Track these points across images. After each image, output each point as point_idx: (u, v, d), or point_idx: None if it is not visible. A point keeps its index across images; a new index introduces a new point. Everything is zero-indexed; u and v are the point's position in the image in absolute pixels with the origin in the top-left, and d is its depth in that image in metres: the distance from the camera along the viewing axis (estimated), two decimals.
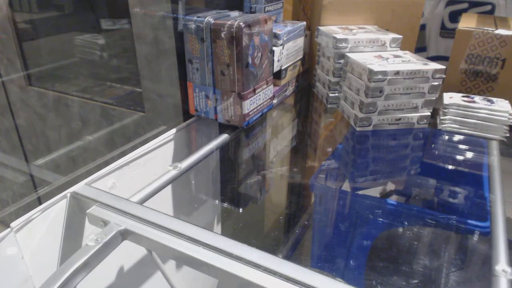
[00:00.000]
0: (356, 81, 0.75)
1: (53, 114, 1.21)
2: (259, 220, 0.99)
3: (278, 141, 0.95)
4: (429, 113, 0.76)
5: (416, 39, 0.93)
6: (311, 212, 0.91)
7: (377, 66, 0.71)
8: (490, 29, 0.81)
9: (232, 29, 0.61)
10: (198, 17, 0.64)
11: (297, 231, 0.89)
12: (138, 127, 1.01)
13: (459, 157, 0.78)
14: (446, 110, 0.77)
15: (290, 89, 0.89)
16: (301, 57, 0.91)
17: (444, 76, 0.72)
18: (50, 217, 0.48)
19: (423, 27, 1.19)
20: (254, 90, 0.70)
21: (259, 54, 0.69)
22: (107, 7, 1.12)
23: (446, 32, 1.18)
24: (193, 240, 0.41)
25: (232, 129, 0.72)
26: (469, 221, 0.65)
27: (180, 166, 0.60)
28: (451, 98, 0.77)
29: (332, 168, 0.84)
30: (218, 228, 0.93)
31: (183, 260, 0.41)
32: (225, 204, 0.92)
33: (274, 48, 0.76)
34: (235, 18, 0.65)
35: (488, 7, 1.11)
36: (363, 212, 0.74)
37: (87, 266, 0.40)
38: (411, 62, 0.73)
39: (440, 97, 0.77)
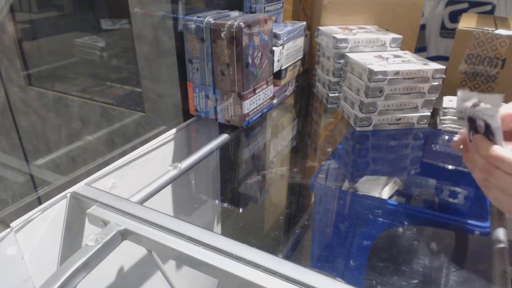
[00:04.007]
0: (356, 81, 0.75)
1: (53, 114, 1.21)
2: (259, 220, 0.99)
3: (278, 141, 0.95)
4: (429, 113, 0.76)
5: (416, 39, 0.93)
6: (311, 212, 0.91)
7: (377, 66, 0.71)
8: (490, 29, 0.81)
9: (232, 29, 0.61)
10: (198, 17, 0.64)
11: (297, 231, 0.89)
12: (138, 127, 1.01)
13: (459, 157, 0.78)
14: (446, 110, 0.77)
15: (290, 89, 0.89)
16: (301, 57, 0.91)
17: (444, 76, 0.72)
18: (50, 217, 0.48)
19: (423, 27, 1.19)
20: (254, 90, 0.70)
21: (259, 54, 0.69)
22: (107, 7, 1.12)
23: (446, 32, 1.18)
24: (193, 240, 0.41)
25: (232, 129, 0.72)
26: (469, 221, 0.65)
27: (180, 166, 0.60)
28: (451, 101, 0.77)
29: (332, 168, 0.84)
30: (218, 228, 0.93)
31: (183, 260, 0.41)
32: (225, 204, 0.92)
33: (274, 48, 0.76)
34: (235, 18, 0.65)
35: (488, 7, 1.11)
36: (363, 212, 0.74)
37: (87, 266, 0.40)
38: (411, 62, 0.73)
39: (440, 97, 0.77)
